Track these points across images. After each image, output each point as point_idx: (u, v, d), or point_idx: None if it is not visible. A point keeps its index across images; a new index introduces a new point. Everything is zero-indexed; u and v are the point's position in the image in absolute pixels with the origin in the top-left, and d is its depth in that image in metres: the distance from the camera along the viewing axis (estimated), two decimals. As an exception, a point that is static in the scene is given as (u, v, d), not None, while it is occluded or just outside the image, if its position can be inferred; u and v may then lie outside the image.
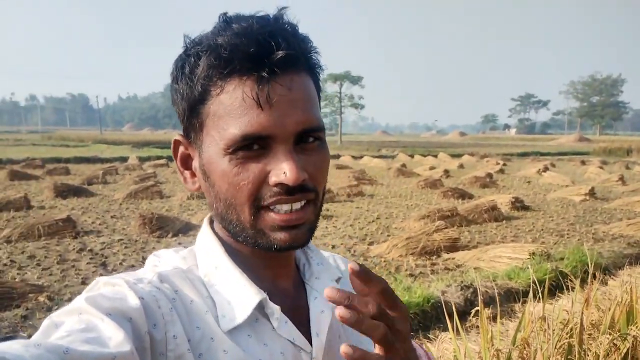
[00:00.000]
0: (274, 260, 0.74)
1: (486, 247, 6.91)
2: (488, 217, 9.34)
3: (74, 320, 0.56)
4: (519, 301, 4.89)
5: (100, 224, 8.62)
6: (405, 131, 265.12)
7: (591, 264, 3.75)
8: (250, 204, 0.66)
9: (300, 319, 0.73)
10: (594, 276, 4.03)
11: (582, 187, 12.91)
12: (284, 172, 0.63)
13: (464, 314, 4.35)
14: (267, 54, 0.62)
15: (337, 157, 28.93)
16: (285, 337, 0.70)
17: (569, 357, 2.58)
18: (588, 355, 2.60)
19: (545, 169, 20.11)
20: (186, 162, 0.75)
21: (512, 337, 3.02)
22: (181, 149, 0.74)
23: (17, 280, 5.37)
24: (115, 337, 0.54)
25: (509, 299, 5.10)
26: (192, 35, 0.69)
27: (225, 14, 0.67)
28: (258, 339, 0.68)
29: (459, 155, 31.02)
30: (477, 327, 4.09)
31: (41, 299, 4.83)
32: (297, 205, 0.66)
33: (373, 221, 9.28)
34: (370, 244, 7.42)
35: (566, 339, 2.62)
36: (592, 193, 12.41)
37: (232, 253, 0.73)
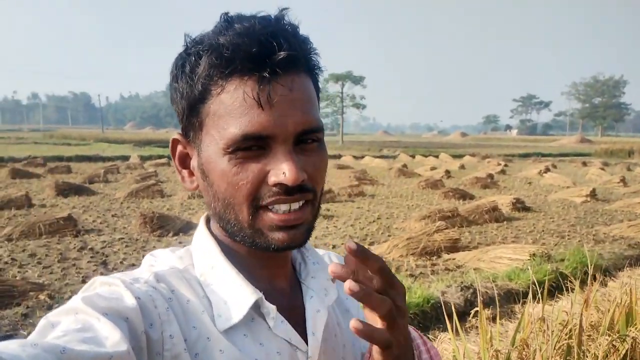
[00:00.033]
0: (271, 260, 0.74)
1: (487, 247, 6.91)
2: (489, 217, 9.34)
3: (71, 320, 0.56)
4: (519, 302, 4.90)
5: (101, 223, 8.64)
6: (406, 131, 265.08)
7: (591, 265, 3.75)
8: (248, 204, 0.66)
9: (297, 318, 0.73)
10: (594, 277, 4.03)
11: (583, 188, 12.92)
12: (284, 172, 0.63)
13: (464, 315, 4.35)
14: (269, 54, 0.62)
15: (339, 157, 28.93)
16: (282, 337, 0.70)
17: (568, 358, 2.59)
18: (587, 357, 2.61)
19: (547, 170, 20.12)
20: (184, 161, 0.75)
21: (511, 337, 3.02)
22: (179, 147, 0.74)
23: (17, 278, 5.38)
24: (112, 337, 0.54)
25: (509, 300, 5.10)
26: (192, 35, 0.69)
27: (226, 13, 0.67)
28: (254, 338, 0.68)
29: (460, 156, 31.02)
30: (477, 327, 4.09)
31: (42, 297, 4.84)
32: (295, 206, 0.67)
33: (374, 221, 9.29)
34: (371, 244, 7.43)
35: (565, 340, 2.63)
36: (593, 194, 12.41)
37: (229, 253, 0.73)
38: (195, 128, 0.69)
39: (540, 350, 2.53)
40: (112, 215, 9.35)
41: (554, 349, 2.56)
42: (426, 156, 30.85)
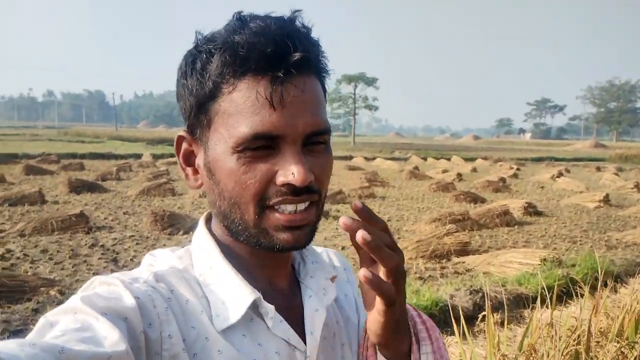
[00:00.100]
0: (272, 260, 0.75)
1: (497, 252, 6.87)
2: (500, 221, 9.28)
3: (69, 319, 0.56)
4: (529, 307, 4.86)
5: (112, 220, 8.71)
6: (418, 133, 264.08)
7: (601, 271, 3.71)
8: (255, 203, 0.66)
9: (295, 318, 0.74)
10: (605, 284, 4.00)
11: (597, 193, 12.78)
12: (292, 173, 0.63)
13: (472, 319, 4.33)
14: (284, 55, 0.63)
15: (350, 158, 28.90)
16: (280, 337, 0.70)
17: (575, 364, 2.57)
18: (595, 364, 2.59)
19: (560, 174, 19.96)
20: (189, 159, 0.74)
21: (519, 342, 3.00)
22: (184, 145, 0.74)
23: (29, 273, 5.44)
24: (111, 337, 0.54)
25: (518, 305, 5.07)
26: (203, 32, 0.68)
27: (239, 12, 0.67)
28: (253, 338, 0.68)
29: (472, 159, 30.86)
30: (485, 332, 4.08)
31: (52, 292, 4.89)
32: (301, 206, 0.67)
33: (384, 223, 9.25)
34: (381, 246, 7.39)
35: (573, 345, 2.60)
36: (606, 200, 12.29)
37: (229, 253, 0.73)
38: (203, 125, 0.68)
39: (548, 356, 2.51)
40: (124, 213, 9.42)
41: (562, 354, 2.54)
42: (438, 159, 30.72)
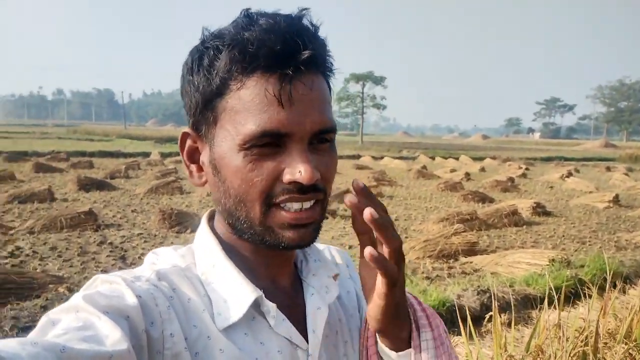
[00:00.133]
0: (275, 259, 0.75)
1: (505, 252, 6.84)
2: (508, 221, 9.24)
3: (71, 318, 0.55)
4: (536, 308, 4.83)
5: (121, 218, 8.75)
6: (426, 133, 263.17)
7: (610, 272, 3.68)
8: (261, 201, 0.66)
9: (298, 316, 0.73)
10: (614, 285, 3.97)
11: (606, 193, 12.68)
12: (300, 171, 0.63)
13: (479, 319, 4.32)
14: (293, 53, 0.62)
15: (358, 157, 28.86)
16: (283, 335, 0.70)
17: (583, 366, 2.55)
18: (603, 365, 2.57)
19: (569, 174, 19.83)
20: (193, 156, 0.74)
21: (526, 343, 2.99)
22: (189, 142, 0.74)
23: (38, 270, 5.48)
24: (112, 336, 0.53)
25: (526, 306, 5.04)
26: (210, 29, 0.68)
27: (247, 9, 0.66)
28: (255, 337, 0.68)
29: (480, 159, 30.73)
30: (492, 332, 4.06)
31: (61, 289, 4.92)
32: (307, 205, 0.67)
33: (391, 222, 9.23)
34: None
35: (581, 347, 2.59)
36: (616, 200, 12.18)
37: (231, 251, 0.73)
38: (209, 122, 0.68)
39: (555, 357, 2.50)
40: (132, 211, 9.47)
41: (569, 356, 2.52)
42: (446, 158, 30.62)
